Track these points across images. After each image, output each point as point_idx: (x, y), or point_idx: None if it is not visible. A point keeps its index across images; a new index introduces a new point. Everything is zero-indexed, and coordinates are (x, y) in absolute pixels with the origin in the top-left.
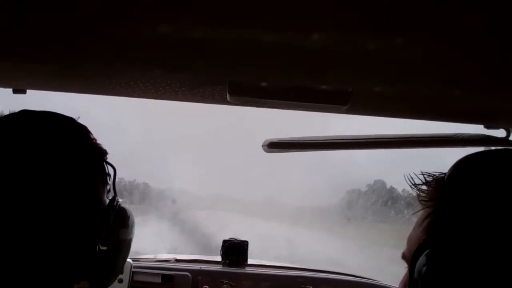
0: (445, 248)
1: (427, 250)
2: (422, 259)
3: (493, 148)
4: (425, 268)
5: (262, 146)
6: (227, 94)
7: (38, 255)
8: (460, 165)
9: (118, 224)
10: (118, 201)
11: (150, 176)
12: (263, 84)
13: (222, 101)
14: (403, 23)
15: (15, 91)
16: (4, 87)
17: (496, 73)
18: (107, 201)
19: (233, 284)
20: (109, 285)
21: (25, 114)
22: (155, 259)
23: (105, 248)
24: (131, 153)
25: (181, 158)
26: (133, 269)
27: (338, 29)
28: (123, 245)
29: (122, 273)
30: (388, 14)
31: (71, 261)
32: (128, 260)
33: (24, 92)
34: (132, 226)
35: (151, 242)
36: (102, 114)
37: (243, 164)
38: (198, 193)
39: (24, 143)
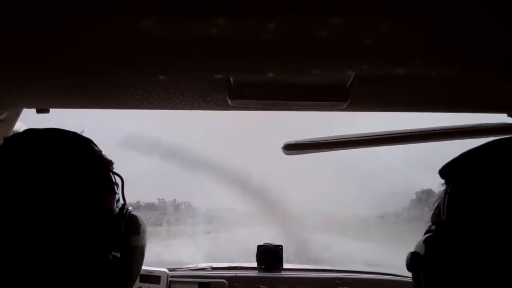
0: (441, 234)
1: (425, 236)
2: (420, 246)
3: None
4: (423, 253)
5: (281, 148)
6: (228, 99)
7: (53, 270)
8: (467, 154)
9: (129, 231)
10: (127, 209)
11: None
12: (263, 85)
13: (225, 106)
14: (407, 4)
15: (38, 111)
16: (28, 107)
17: None
18: (117, 210)
19: None
20: None
21: (28, 132)
22: (191, 268)
23: (118, 255)
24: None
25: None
26: (169, 279)
27: (336, 16)
28: (135, 252)
29: (135, 280)
30: None
31: (85, 271)
32: (164, 270)
33: (47, 111)
34: (144, 232)
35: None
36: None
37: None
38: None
39: (28, 161)
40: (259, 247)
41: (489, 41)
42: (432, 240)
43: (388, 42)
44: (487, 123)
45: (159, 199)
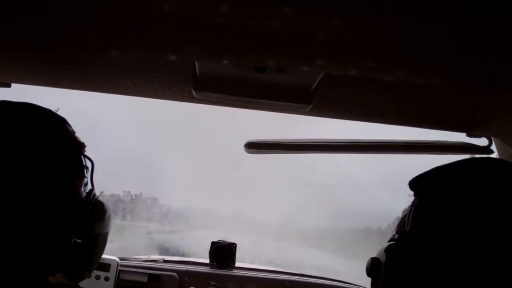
0: (402, 244)
1: (387, 244)
2: (381, 253)
3: (476, 156)
4: (383, 260)
5: (244, 146)
6: (192, 90)
7: (11, 246)
8: (437, 169)
9: (94, 217)
10: (95, 195)
11: (162, 192)
12: (227, 79)
13: (190, 98)
14: (379, 9)
15: (0, 85)
16: None
17: (480, 82)
18: (84, 194)
19: (220, 286)
20: (84, 278)
21: (3, 104)
22: (143, 259)
23: (80, 241)
24: (131, 160)
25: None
26: (119, 268)
27: (304, 10)
28: (98, 239)
29: (95, 266)
30: None
31: (45, 253)
32: (115, 258)
33: (9, 86)
34: (109, 219)
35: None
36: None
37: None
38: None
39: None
40: (213, 243)
41: (454, 60)
42: (393, 248)
43: (350, 44)
44: (446, 141)
45: (124, 191)
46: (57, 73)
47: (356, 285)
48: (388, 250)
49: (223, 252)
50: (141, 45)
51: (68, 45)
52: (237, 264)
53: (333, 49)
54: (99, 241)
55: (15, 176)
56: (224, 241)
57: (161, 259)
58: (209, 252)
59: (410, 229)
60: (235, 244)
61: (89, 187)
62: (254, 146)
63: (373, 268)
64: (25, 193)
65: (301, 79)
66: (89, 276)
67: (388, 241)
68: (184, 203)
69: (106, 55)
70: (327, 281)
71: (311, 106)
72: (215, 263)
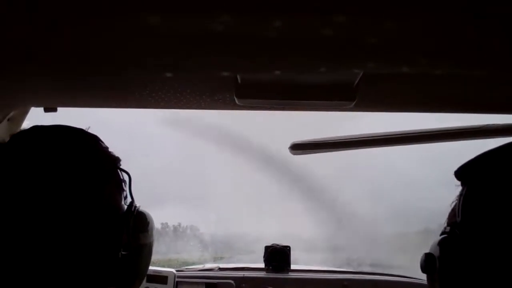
0: (455, 236)
1: (440, 238)
2: (434, 247)
3: None
4: (437, 255)
5: (288, 148)
6: (235, 98)
7: (63, 268)
8: (483, 155)
9: (137, 228)
10: (135, 206)
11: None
12: (269, 84)
13: (232, 106)
14: (414, 3)
15: (46, 110)
16: (35, 106)
17: None
18: (125, 207)
19: None
20: None
21: (35, 130)
22: (198, 269)
23: (127, 253)
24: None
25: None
26: (177, 279)
27: (341, 15)
28: (144, 249)
29: (144, 277)
30: None
31: (95, 269)
32: (172, 270)
33: (55, 110)
34: (152, 229)
35: None
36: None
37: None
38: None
39: (35, 158)
40: (266, 247)
41: (496, 41)
42: (446, 242)
43: (394, 41)
44: (495, 124)
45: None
46: (99, 94)
47: (415, 278)
48: (441, 243)
49: (277, 256)
50: (187, 68)
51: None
52: (292, 267)
53: (380, 51)
54: (145, 251)
55: (56, 198)
56: (277, 245)
57: (216, 267)
58: (264, 257)
59: (461, 220)
60: (289, 247)
61: (128, 199)
62: (299, 147)
63: (428, 263)
64: (69, 213)
65: (343, 77)
66: None
67: (440, 234)
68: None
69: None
70: (385, 276)
71: (355, 102)
72: (270, 267)
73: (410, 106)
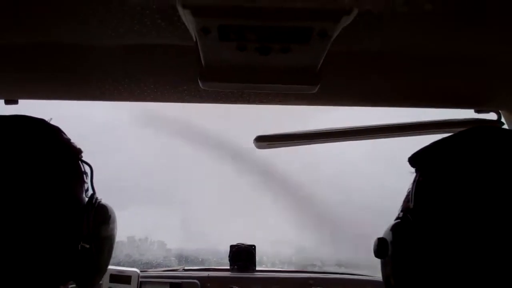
0: (407, 221)
1: (393, 223)
2: (387, 233)
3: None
4: (390, 240)
5: (253, 141)
6: (199, 81)
7: (21, 259)
8: (433, 144)
9: (98, 221)
10: (97, 199)
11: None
12: (233, 65)
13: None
14: None
15: (7, 102)
16: None
17: (487, 55)
18: (86, 199)
19: None
20: (95, 285)
21: None
22: (163, 269)
23: (87, 246)
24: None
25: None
26: (140, 279)
27: None
28: (105, 242)
29: (104, 272)
30: None
31: (54, 261)
32: (135, 270)
33: (16, 102)
34: (114, 222)
35: None
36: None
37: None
38: None
39: None
40: (231, 246)
41: (460, 41)
42: (398, 227)
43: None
44: (455, 118)
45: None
46: (61, 86)
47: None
48: (393, 228)
49: (243, 255)
50: (143, 46)
51: (69, 56)
52: (257, 268)
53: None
54: (106, 244)
55: (16, 187)
56: (243, 244)
57: (181, 268)
58: (229, 256)
59: (414, 206)
60: (254, 246)
61: (90, 192)
62: (264, 140)
63: (380, 248)
64: (27, 203)
65: (306, 59)
66: None
67: (394, 220)
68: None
69: (108, 61)
70: (349, 276)
71: (317, 87)
72: (235, 266)
73: (370, 99)
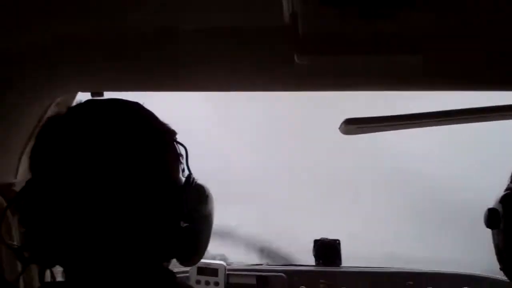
0: None
1: (503, 194)
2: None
3: None
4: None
5: (340, 126)
6: (296, 56)
7: (125, 239)
8: None
9: (197, 199)
10: (194, 179)
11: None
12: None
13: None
14: None
15: (93, 95)
16: (83, 91)
17: None
18: (183, 179)
19: (330, 283)
20: (197, 262)
21: (91, 103)
22: (248, 264)
23: (187, 224)
24: None
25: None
26: (227, 272)
27: None
28: (204, 220)
29: (205, 250)
30: None
31: (157, 240)
32: (222, 263)
33: (102, 95)
34: (212, 202)
35: None
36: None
37: None
38: None
39: (94, 131)
40: (315, 241)
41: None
42: (508, 197)
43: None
44: None
45: None
46: (147, 77)
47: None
48: (503, 199)
49: (327, 250)
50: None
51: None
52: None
53: None
54: (206, 222)
55: (116, 170)
56: (326, 238)
57: (265, 263)
58: (313, 251)
59: None
60: (339, 240)
61: (186, 172)
62: (353, 122)
63: (491, 218)
64: (130, 185)
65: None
66: (198, 282)
67: (504, 191)
68: None
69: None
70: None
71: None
72: (321, 261)
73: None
